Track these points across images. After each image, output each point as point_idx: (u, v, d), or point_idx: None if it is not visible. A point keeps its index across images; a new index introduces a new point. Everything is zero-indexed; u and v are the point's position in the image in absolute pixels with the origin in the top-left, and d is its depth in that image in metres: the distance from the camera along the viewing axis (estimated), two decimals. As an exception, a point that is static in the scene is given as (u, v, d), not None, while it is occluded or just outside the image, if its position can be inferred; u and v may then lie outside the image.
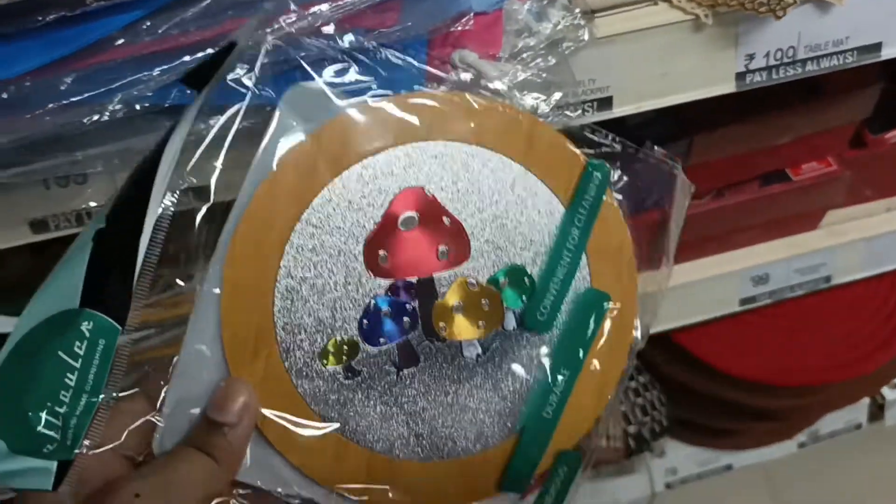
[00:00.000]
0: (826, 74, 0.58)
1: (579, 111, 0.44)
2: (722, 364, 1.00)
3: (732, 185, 0.83)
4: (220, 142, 0.38)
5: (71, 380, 0.36)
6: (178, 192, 0.37)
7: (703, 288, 0.88)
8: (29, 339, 0.36)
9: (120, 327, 0.36)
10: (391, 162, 0.40)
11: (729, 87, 0.57)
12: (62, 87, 0.41)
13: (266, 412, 0.39)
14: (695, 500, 1.17)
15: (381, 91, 0.40)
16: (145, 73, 0.42)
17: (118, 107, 0.42)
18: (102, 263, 0.36)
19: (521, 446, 0.42)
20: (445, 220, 0.41)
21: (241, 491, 0.39)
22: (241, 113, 0.38)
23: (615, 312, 0.43)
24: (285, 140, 0.39)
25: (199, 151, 0.38)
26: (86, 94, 0.41)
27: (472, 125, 0.40)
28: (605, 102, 0.53)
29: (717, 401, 1.04)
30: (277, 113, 0.38)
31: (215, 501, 0.38)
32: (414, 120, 0.40)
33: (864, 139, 0.84)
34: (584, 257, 0.42)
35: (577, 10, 0.51)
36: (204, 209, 0.39)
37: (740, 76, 0.56)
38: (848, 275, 0.93)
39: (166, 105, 0.39)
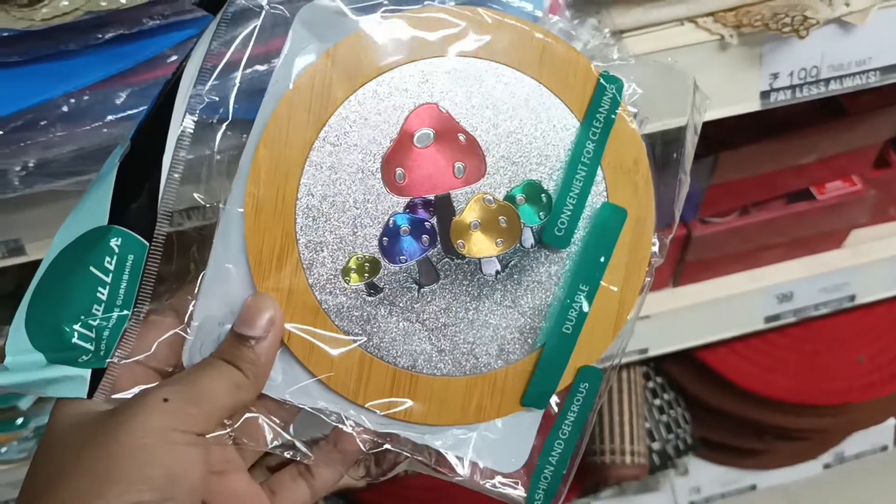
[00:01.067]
0: (850, 95, 0.59)
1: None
2: (746, 382, 1.00)
3: (757, 203, 0.84)
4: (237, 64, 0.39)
5: (103, 294, 0.37)
6: (197, 111, 0.38)
7: (727, 305, 0.89)
8: (62, 257, 0.38)
9: (147, 243, 0.37)
10: (405, 78, 0.40)
11: (753, 106, 0.58)
12: (118, 101, 0.44)
13: (292, 328, 0.40)
14: (719, 519, 1.17)
15: (393, 7, 0.40)
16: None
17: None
18: (128, 183, 0.37)
19: (542, 362, 0.42)
20: (461, 136, 0.41)
21: (269, 406, 0.40)
22: (256, 32, 0.39)
23: (632, 228, 0.43)
24: (301, 58, 0.39)
25: (217, 71, 0.39)
26: (141, 108, 0.44)
27: (486, 40, 0.41)
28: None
29: (742, 420, 1.04)
30: (292, 31, 0.39)
31: (245, 416, 0.39)
32: (427, 35, 0.40)
33: (888, 159, 0.85)
34: (600, 172, 0.42)
35: (607, 30, 0.53)
36: (224, 127, 0.39)
37: (765, 95, 0.58)
38: (872, 294, 0.93)
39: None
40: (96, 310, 0.37)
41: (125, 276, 0.38)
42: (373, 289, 0.41)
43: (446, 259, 0.42)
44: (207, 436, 0.37)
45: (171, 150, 0.38)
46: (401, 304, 0.41)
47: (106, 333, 0.38)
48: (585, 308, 0.42)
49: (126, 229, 0.37)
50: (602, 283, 0.42)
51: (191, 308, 0.39)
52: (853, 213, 0.86)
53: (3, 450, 0.76)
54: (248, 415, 0.39)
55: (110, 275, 0.37)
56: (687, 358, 1.01)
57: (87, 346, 0.37)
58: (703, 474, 1.14)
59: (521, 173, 0.42)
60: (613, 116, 0.42)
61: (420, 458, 0.42)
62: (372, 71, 0.40)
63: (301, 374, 0.40)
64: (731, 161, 0.76)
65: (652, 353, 0.92)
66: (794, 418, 1.04)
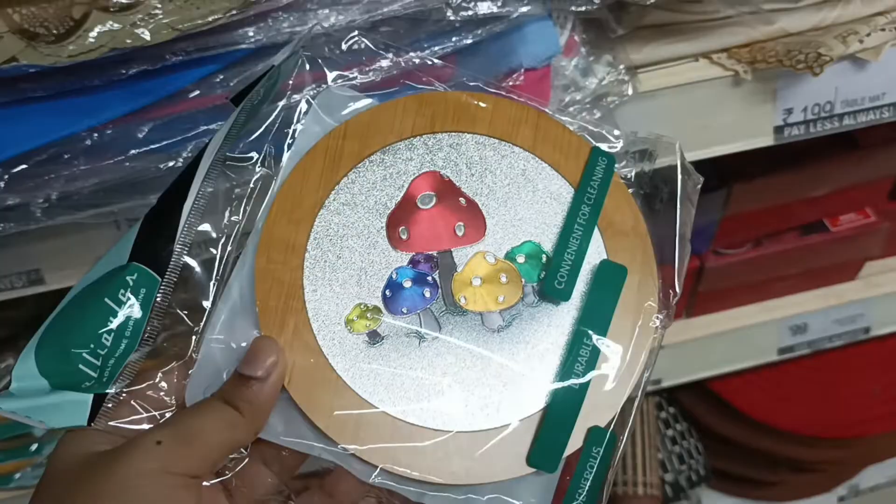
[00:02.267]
0: (864, 128, 0.60)
1: (623, 162, 0.46)
2: (760, 414, 1.00)
3: (771, 234, 0.84)
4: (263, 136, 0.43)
5: (113, 323, 0.38)
6: (220, 162, 0.40)
7: (741, 336, 0.89)
8: (82, 294, 0.39)
9: (160, 278, 0.39)
10: (410, 149, 0.44)
11: (767, 141, 0.59)
12: (140, 135, 0.45)
13: (293, 372, 0.40)
14: (732, 552, 1.16)
15: (399, 90, 0.45)
16: (218, 123, 0.45)
17: (191, 154, 0.45)
18: (150, 229, 0.40)
19: (548, 419, 0.41)
20: (461, 199, 0.44)
21: (264, 453, 0.40)
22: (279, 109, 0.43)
23: (634, 288, 0.43)
24: (317, 130, 0.43)
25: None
26: (163, 142, 0.44)
27: (483, 119, 0.44)
28: (647, 154, 0.55)
29: (755, 451, 1.03)
30: (311, 110, 0.44)
31: (243, 463, 0.39)
32: (429, 114, 0.44)
33: (902, 191, 0.85)
34: (597, 233, 0.44)
35: (622, 66, 0.54)
36: (255, 177, 0.43)
37: (778, 130, 0.58)
38: (887, 326, 0.93)
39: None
40: (105, 339, 0.38)
41: (136, 309, 0.39)
42: (375, 338, 0.42)
43: (448, 313, 0.43)
44: (204, 483, 0.37)
45: (192, 197, 0.39)
46: (402, 356, 0.42)
47: (111, 362, 0.38)
48: (592, 363, 0.42)
49: (142, 265, 0.39)
50: (609, 341, 0.43)
51: (194, 344, 0.40)
52: (867, 245, 0.86)
53: (17, 476, 0.76)
54: (245, 462, 0.39)
55: (122, 306, 0.38)
56: (700, 389, 1.00)
57: (91, 372, 0.38)
58: (717, 506, 1.13)
59: (520, 235, 0.44)
60: (607, 183, 0.44)
61: None
62: (379, 142, 0.43)
63: (299, 420, 0.40)
64: (744, 192, 0.76)
65: (665, 383, 0.92)
66: (809, 450, 1.03)
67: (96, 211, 0.47)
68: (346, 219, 0.42)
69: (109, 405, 0.38)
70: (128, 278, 0.38)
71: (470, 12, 0.46)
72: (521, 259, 0.43)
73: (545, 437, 0.41)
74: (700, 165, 0.47)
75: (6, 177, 0.43)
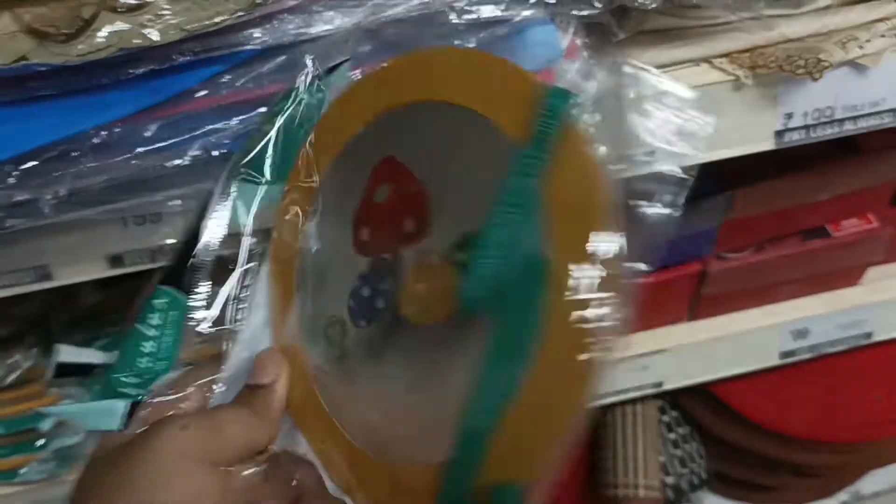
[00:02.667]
0: (867, 133, 0.60)
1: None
2: (762, 418, 1.00)
3: (773, 239, 0.84)
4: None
5: (146, 348, 0.41)
6: (233, 185, 0.42)
7: (743, 341, 0.89)
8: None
9: (187, 300, 0.41)
10: (369, 135, 0.40)
11: (768, 145, 0.59)
12: (147, 134, 0.45)
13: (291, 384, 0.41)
14: (733, 556, 1.16)
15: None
16: (224, 123, 0.45)
17: (197, 152, 0.46)
18: (179, 251, 0.41)
19: (450, 462, 0.32)
20: (413, 187, 0.37)
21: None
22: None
23: (567, 289, 0.30)
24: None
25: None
26: (169, 141, 0.45)
27: (428, 81, 0.36)
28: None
29: (757, 455, 1.03)
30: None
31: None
32: (385, 92, 0.38)
33: (904, 197, 0.85)
34: (542, 213, 0.31)
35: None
36: (260, 193, 0.43)
37: (779, 134, 0.59)
38: (890, 332, 0.93)
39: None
40: (139, 362, 0.41)
41: (168, 331, 0.41)
42: (343, 353, 0.40)
43: (396, 325, 0.37)
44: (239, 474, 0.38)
45: (211, 214, 0.41)
46: (358, 370, 0.39)
47: (148, 377, 0.41)
48: (507, 393, 0.31)
49: (170, 289, 0.41)
50: (535, 361, 0.31)
51: (223, 360, 0.41)
52: (869, 251, 0.86)
53: (23, 471, 0.77)
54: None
55: (152, 330, 0.41)
56: (702, 392, 1.00)
57: (130, 391, 0.40)
58: (718, 510, 1.13)
59: (463, 224, 0.35)
60: (560, 140, 0.32)
61: None
62: (341, 138, 0.41)
63: (295, 430, 0.41)
64: (746, 197, 0.76)
65: (667, 386, 0.92)
66: (810, 455, 1.03)
67: (104, 208, 0.48)
68: (324, 226, 0.41)
69: (142, 413, 0.40)
70: (155, 302, 0.41)
71: (473, 16, 0.47)
72: (461, 256, 0.34)
73: (447, 485, 0.33)
74: (701, 169, 0.47)
75: (16, 173, 0.44)
